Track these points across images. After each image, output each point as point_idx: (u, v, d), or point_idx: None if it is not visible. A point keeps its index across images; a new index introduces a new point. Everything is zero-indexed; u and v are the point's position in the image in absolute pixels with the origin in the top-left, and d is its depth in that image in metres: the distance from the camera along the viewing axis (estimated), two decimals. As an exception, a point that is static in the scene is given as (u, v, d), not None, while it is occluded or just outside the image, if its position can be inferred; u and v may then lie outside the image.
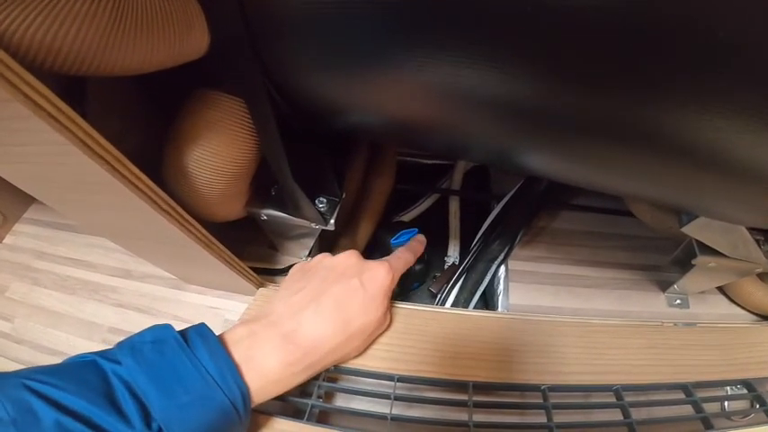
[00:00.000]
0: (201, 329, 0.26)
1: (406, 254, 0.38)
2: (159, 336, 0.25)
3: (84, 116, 0.23)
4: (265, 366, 0.27)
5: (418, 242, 0.41)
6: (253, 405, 0.26)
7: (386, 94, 0.26)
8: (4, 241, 0.56)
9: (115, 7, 0.19)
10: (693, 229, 0.34)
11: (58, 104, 0.20)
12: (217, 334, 0.27)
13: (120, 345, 0.25)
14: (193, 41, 0.23)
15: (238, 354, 0.26)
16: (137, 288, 0.47)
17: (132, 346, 0.24)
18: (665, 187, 0.31)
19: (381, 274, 0.32)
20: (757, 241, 0.36)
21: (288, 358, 0.27)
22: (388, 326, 0.35)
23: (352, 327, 0.30)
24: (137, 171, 0.27)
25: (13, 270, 0.52)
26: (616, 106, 0.23)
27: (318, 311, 0.29)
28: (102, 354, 0.24)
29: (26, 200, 0.58)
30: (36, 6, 0.18)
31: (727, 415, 0.34)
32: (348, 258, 0.33)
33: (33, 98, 0.19)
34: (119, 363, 0.23)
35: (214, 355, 0.25)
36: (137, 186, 0.27)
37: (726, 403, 0.35)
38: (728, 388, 0.36)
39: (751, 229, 0.35)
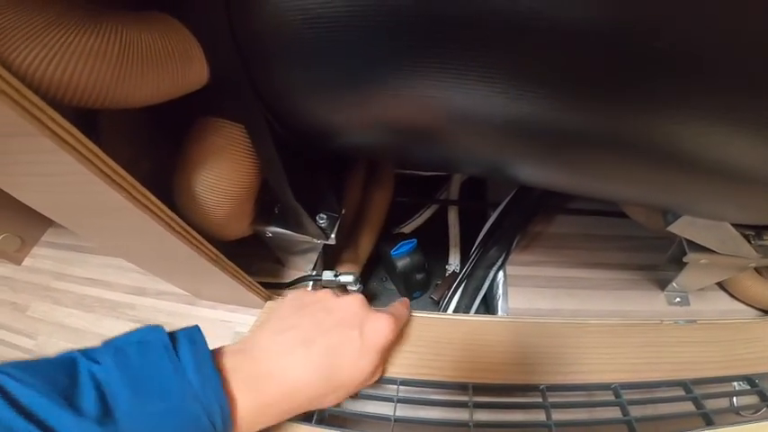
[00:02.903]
0: (193, 334, 0.25)
1: (402, 308, 0.36)
2: (146, 337, 0.24)
3: (98, 144, 0.25)
4: (241, 404, 0.24)
5: (406, 304, 0.38)
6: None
7: (377, 116, 0.28)
8: (23, 264, 0.58)
9: (122, 44, 0.21)
10: (679, 228, 0.35)
11: (80, 138, 0.22)
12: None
13: (106, 343, 0.24)
14: (194, 73, 0.25)
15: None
16: (152, 304, 0.49)
17: (117, 346, 0.23)
18: (649, 190, 0.32)
19: (384, 328, 0.30)
20: (747, 237, 0.37)
21: (264, 400, 0.25)
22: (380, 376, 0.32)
23: (338, 379, 0.28)
24: (151, 196, 0.28)
25: (34, 291, 0.54)
26: (609, 121, 0.25)
27: (306, 357, 0.27)
28: (86, 351, 0.23)
29: (43, 224, 0.61)
30: (54, 45, 0.20)
31: (736, 410, 0.34)
32: (351, 305, 0.31)
33: (58, 133, 0.21)
34: (97, 362, 0.22)
35: (200, 365, 0.23)
36: (152, 211, 0.29)
37: (734, 399, 0.35)
38: (736, 384, 0.35)
39: (739, 226, 0.36)
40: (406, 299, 0.39)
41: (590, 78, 0.23)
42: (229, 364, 0.26)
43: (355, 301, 0.31)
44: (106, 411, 0.20)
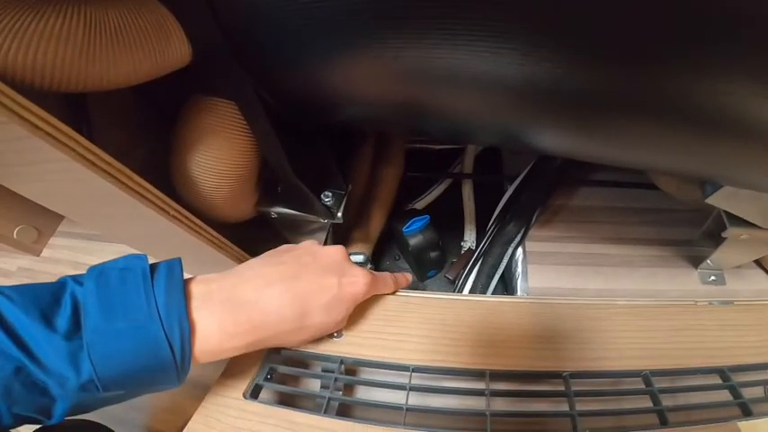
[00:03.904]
0: (173, 266, 0.26)
1: (390, 279, 0.36)
2: (129, 264, 0.25)
3: (90, 132, 0.23)
4: (206, 330, 0.25)
5: (405, 279, 0.38)
6: (194, 362, 0.25)
7: (378, 82, 0.25)
8: (42, 255, 0.59)
9: (87, 25, 0.20)
10: (719, 200, 0.31)
11: (53, 123, 0.21)
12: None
13: (92, 267, 0.25)
14: (174, 50, 0.23)
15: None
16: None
17: (101, 270, 0.24)
18: (687, 158, 0.29)
19: (361, 282, 0.31)
20: (793, 209, 0.33)
21: (231, 329, 0.26)
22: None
23: (308, 320, 0.29)
24: (142, 182, 0.27)
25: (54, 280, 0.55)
26: (646, 79, 0.22)
27: (284, 291, 0.28)
28: (75, 275, 0.25)
29: (59, 214, 0.62)
30: (11, 30, 0.18)
31: None
32: (335, 254, 0.32)
33: (28, 118, 0.20)
34: (81, 284, 0.24)
35: (170, 292, 0.24)
36: (144, 197, 0.28)
37: None
38: None
39: (785, 197, 0.32)
40: (408, 275, 0.39)
41: (619, 34, 0.20)
42: (204, 289, 0.27)
43: (338, 251, 0.32)
44: (76, 327, 0.22)
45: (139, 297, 0.23)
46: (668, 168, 0.34)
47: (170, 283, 0.25)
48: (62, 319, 0.22)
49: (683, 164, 0.31)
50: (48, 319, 0.22)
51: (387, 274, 0.37)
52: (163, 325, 0.23)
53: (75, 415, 0.24)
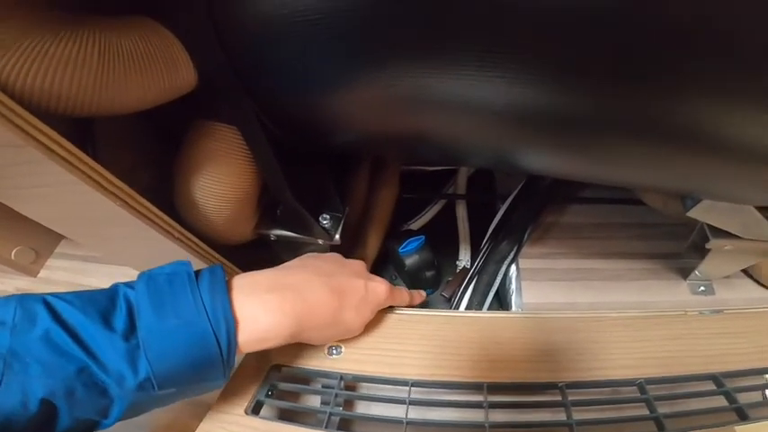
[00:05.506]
0: (216, 270, 0.27)
1: (406, 294, 0.39)
2: (176, 269, 0.26)
3: (95, 154, 0.24)
4: (252, 317, 0.27)
5: (420, 296, 0.41)
6: (239, 352, 0.27)
7: (370, 110, 0.27)
8: (39, 276, 0.59)
9: (102, 50, 0.21)
10: (700, 213, 0.33)
11: (68, 147, 0.22)
12: None
13: (141, 273, 0.26)
14: (181, 76, 0.25)
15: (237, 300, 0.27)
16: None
17: (150, 275, 0.26)
18: (666, 173, 0.31)
19: (383, 289, 0.34)
20: (772, 219, 0.35)
21: (278, 315, 0.28)
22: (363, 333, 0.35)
23: (341, 316, 0.31)
24: (147, 204, 0.28)
25: (51, 302, 0.55)
26: (629, 104, 0.23)
27: (324, 286, 0.30)
28: (127, 282, 0.26)
29: (57, 235, 0.61)
30: (31, 53, 0.19)
31: None
32: (360, 264, 0.36)
33: (45, 142, 0.21)
34: (132, 288, 0.25)
35: (214, 290, 0.26)
36: (149, 218, 0.29)
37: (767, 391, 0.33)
38: None
39: (764, 208, 0.34)
40: (423, 292, 0.41)
41: (602, 58, 0.21)
42: (249, 280, 0.29)
43: (361, 263, 0.36)
44: (132, 327, 0.23)
45: (186, 296, 0.25)
46: (649, 184, 0.36)
47: (213, 282, 0.26)
48: (119, 320, 0.23)
49: (663, 180, 0.32)
50: (107, 321, 0.23)
51: (404, 288, 0.39)
52: (209, 319, 0.24)
53: (129, 417, 0.25)
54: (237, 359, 0.27)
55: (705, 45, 0.19)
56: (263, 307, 0.27)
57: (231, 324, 0.25)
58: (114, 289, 0.26)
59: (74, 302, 0.23)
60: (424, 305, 0.41)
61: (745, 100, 0.21)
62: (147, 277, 0.26)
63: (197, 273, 0.27)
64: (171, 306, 0.24)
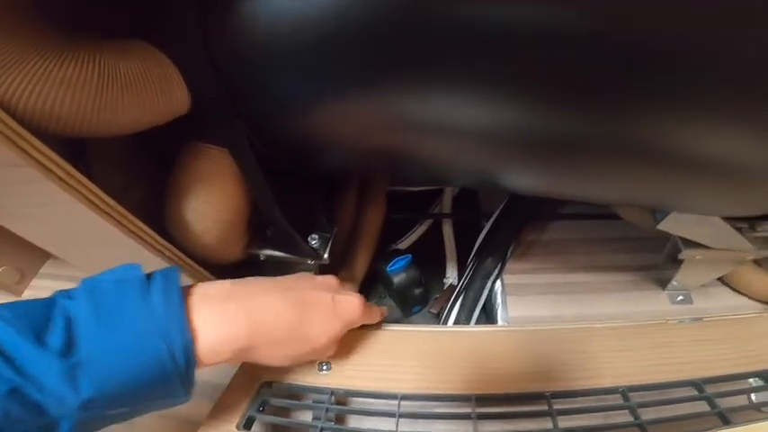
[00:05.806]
0: (169, 273, 0.25)
1: (377, 311, 0.38)
2: (124, 275, 0.24)
3: (88, 173, 0.25)
4: (204, 330, 0.25)
5: (381, 314, 0.39)
6: (199, 366, 0.25)
7: (358, 132, 0.29)
8: (23, 295, 0.58)
9: (102, 72, 0.22)
10: (669, 225, 0.35)
11: (65, 167, 0.23)
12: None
13: (85, 281, 0.24)
14: (176, 99, 0.25)
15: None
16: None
17: (94, 283, 0.24)
18: (633, 189, 0.32)
19: (355, 304, 0.33)
20: (739, 229, 0.37)
21: (228, 328, 0.26)
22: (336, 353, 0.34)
23: (304, 330, 0.29)
24: (140, 224, 0.29)
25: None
26: (604, 125, 0.25)
27: (282, 299, 0.29)
28: (66, 291, 0.24)
29: (43, 256, 0.61)
30: (34, 74, 0.20)
31: (756, 407, 0.33)
32: (329, 278, 0.34)
33: (44, 163, 0.22)
34: (72, 298, 0.23)
35: (168, 299, 0.23)
36: (142, 238, 0.29)
37: (752, 396, 0.33)
38: (752, 380, 0.34)
39: (730, 218, 0.36)
40: (384, 308, 0.40)
41: (575, 83, 0.23)
42: (202, 290, 0.27)
43: (332, 277, 0.35)
44: (70, 344, 0.21)
45: (135, 307, 0.23)
46: (620, 200, 0.38)
47: (167, 287, 0.24)
48: (54, 336, 0.21)
49: (632, 195, 0.34)
50: (39, 337, 0.21)
51: (375, 306, 0.38)
52: (163, 334, 0.22)
53: None
54: (203, 374, 0.25)
55: (663, 69, 0.21)
56: (215, 315, 0.25)
57: (188, 336, 0.23)
58: (52, 299, 0.23)
59: (4, 316, 0.21)
60: (411, 323, 0.41)
61: (708, 120, 0.23)
62: (91, 285, 0.23)
63: (149, 275, 0.24)
64: (118, 317, 0.22)
